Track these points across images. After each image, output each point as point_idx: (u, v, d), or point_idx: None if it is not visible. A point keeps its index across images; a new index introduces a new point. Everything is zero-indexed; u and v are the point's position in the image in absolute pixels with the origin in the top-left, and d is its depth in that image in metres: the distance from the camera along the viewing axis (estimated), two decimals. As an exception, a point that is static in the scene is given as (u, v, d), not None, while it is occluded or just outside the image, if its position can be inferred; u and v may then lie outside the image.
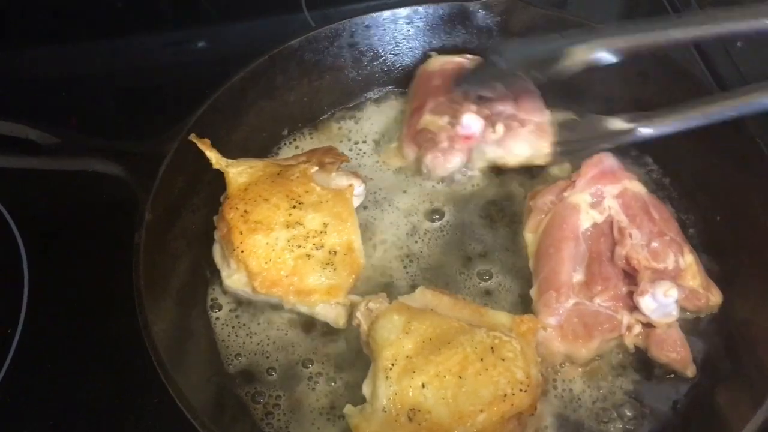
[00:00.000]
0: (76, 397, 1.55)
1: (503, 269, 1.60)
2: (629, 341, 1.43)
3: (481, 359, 1.29)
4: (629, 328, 1.42)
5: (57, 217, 1.82)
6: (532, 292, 1.48)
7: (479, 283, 1.58)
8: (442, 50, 1.86)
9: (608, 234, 1.51)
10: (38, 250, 1.75)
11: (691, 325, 1.48)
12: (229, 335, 1.53)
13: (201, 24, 2.35)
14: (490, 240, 1.65)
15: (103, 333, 1.57)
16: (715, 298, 1.47)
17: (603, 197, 1.54)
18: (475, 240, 1.65)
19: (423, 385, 1.27)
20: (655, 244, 1.47)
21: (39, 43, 2.30)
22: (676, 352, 1.41)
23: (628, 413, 1.40)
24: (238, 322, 1.54)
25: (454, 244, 1.65)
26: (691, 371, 1.41)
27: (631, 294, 1.43)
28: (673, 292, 1.38)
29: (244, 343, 1.51)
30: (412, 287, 1.50)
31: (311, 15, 2.23)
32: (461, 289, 1.57)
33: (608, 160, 1.58)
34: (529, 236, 1.57)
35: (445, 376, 1.28)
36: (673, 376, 1.43)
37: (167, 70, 2.23)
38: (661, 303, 1.39)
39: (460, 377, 1.27)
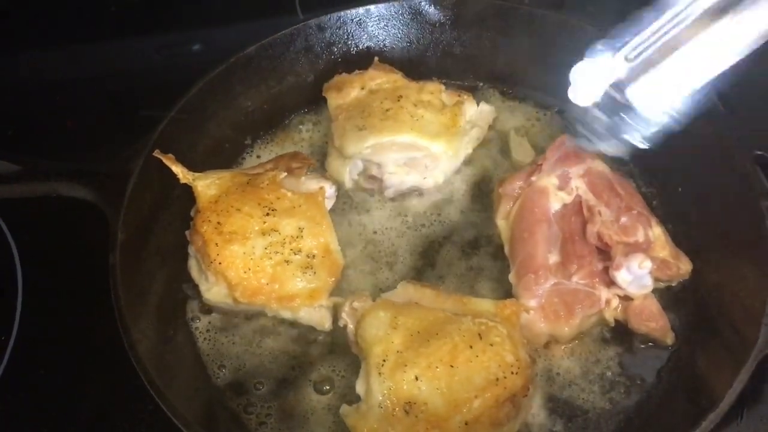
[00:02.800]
0: (71, 404, 1.53)
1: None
2: (609, 315, 1.47)
3: (471, 346, 1.31)
4: (608, 302, 1.46)
5: (46, 233, 1.80)
6: (511, 277, 1.51)
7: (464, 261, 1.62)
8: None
9: (578, 213, 1.54)
10: (32, 259, 1.73)
11: (666, 295, 1.53)
12: (213, 348, 1.51)
13: (196, 27, 2.32)
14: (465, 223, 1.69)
15: (97, 341, 1.53)
16: (685, 266, 1.52)
17: (569, 178, 1.57)
18: (449, 225, 1.68)
19: (416, 378, 1.28)
20: (624, 219, 1.51)
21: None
22: (654, 321, 1.45)
23: (614, 386, 1.44)
24: (221, 334, 1.53)
25: (430, 233, 1.67)
26: (670, 338, 1.46)
27: (606, 270, 1.47)
28: (647, 264, 1.42)
29: (229, 354, 1.50)
30: (394, 282, 1.50)
31: (305, 15, 2.22)
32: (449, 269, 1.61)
33: (570, 142, 1.62)
34: (502, 223, 1.60)
35: (437, 367, 1.29)
36: (652, 345, 1.48)
37: (160, 73, 2.19)
38: (636, 275, 1.43)
39: (451, 366, 1.29)
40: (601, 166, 1.61)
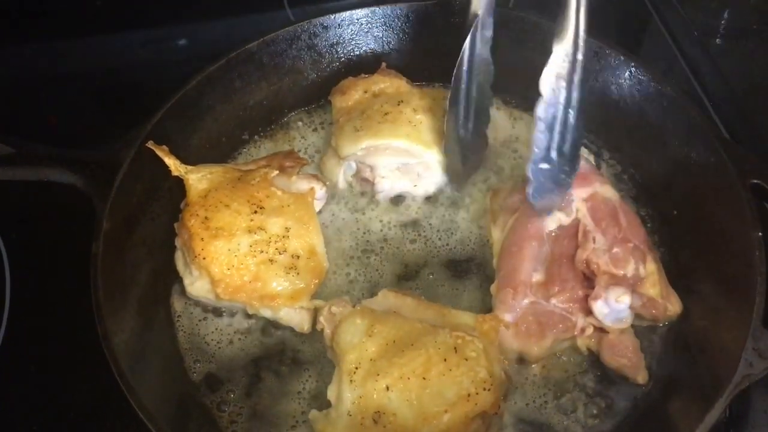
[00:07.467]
0: (62, 399, 1.53)
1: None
2: (582, 343, 1.45)
3: (445, 360, 1.30)
4: (582, 330, 1.44)
5: (31, 225, 1.80)
6: (493, 287, 1.50)
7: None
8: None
9: (572, 237, 1.51)
10: (19, 256, 1.73)
11: (649, 333, 1.50)
12: (192, 343, 1.51)
13: (182, 22, 2.32)
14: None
15: (90, 334, 1.45)
16: (674, 307, 1.47)
17: (572, 200, 1.53)
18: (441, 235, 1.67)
19: (387, 388, 1.28)
20: (616, 250, 1.46)
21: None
22: (627, 358, 1.41)
23: (589, 409, 1.41)
24: (202, 330, 1.53)
25: (421, 242, 1.66)
26: (642, 377, 1.42)
27: (587, 297, 1.44)
28: (624, 299, 1.39)
29: (208, 350, 1.50)
30: (377, 289, 1.49)
31: (293, 12, 2.23)
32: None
33: (582, 163, 1.57)
34: (496, 234, 1.58)
35: (409, 378, 1.28)
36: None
37: (145, 68, 2.20)
38: (613, 308, 1.40)
39: (424, 378, 1.28)
40: (609, 193, 1.55)
